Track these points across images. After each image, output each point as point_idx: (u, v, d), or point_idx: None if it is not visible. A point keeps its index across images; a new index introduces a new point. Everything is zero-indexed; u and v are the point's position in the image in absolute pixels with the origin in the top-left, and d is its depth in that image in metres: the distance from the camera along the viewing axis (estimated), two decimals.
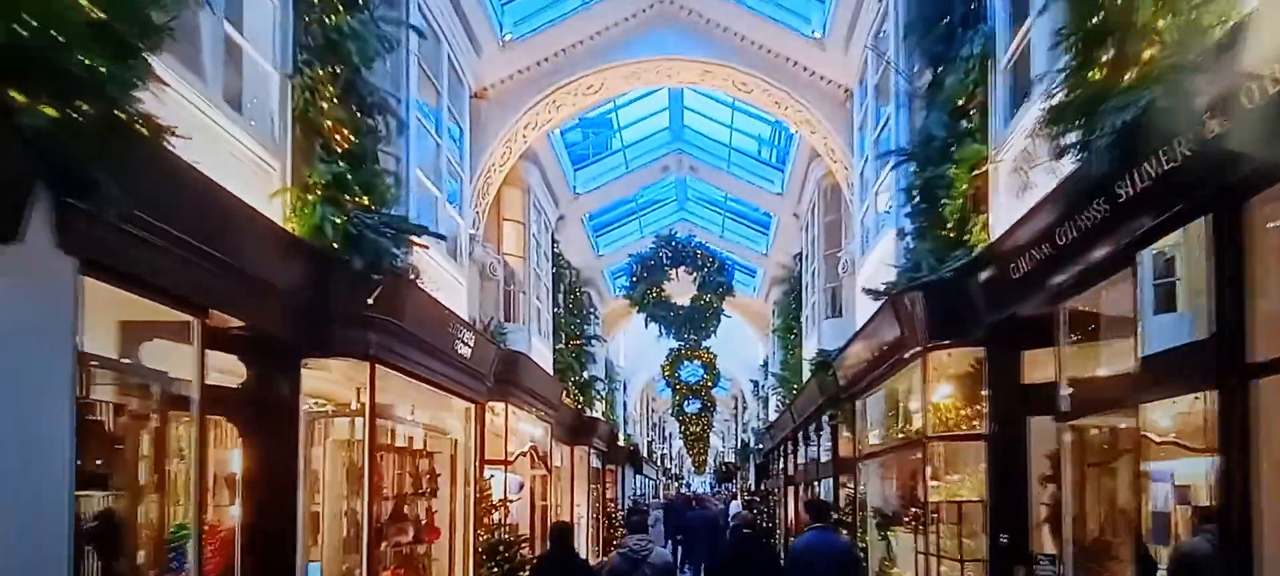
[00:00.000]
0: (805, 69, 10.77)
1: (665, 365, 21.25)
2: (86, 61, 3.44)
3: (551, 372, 13.46)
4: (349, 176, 5.98)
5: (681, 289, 16.87)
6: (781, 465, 18.23)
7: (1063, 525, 5.68)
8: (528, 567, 9.83)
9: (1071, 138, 4.32)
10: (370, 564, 6.57)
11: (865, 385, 9.36)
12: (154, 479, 4.74)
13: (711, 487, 41.09)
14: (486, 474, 9.81)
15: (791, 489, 16.55)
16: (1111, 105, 3.92)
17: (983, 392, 6.59)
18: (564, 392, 14.14)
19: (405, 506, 7.92)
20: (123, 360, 4.64)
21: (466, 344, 8.08)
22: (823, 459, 12.75)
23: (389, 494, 7.60)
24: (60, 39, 3.37)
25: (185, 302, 4.58)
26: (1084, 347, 5.45)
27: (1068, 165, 4.52)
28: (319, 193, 5.77)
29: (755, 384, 25.74)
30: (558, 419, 13.52)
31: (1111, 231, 4.36)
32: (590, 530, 18.61)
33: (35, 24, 3.28)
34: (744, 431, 33.14)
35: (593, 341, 18.06)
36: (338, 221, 5.70)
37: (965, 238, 6.34)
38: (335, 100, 5.99)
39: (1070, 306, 5.34)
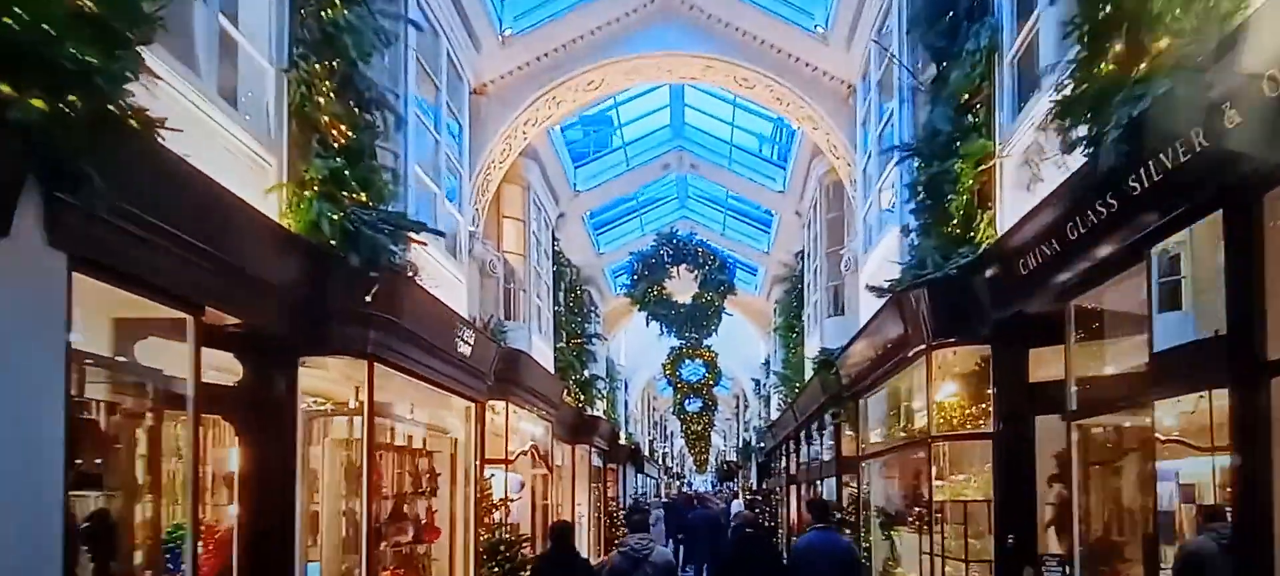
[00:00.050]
0: (808, 64, 10.68)
1: (666, 363, 21.19)
2: (76, 53, 3.38)
3: (552, 371, 13.39)
4: (346, 172, 5.91)
5: (683, 287, 16.81)
6: (784, 464, 18.17)
7: (1072, 525, 5.60)
8: (528, 567, 9.78)
9: (1080, 131, 4.25)
10: (369, 563, 6.50)
11: (868, 384, 9.29)
12: (149, 478, 4.69)
13: (713, 486, 41.03)
14: (487, 473, 9.73)
15: (794, 488, 16.48)
16: (1122, 98, 3.85)
17: (988, 391, 6.52)
18: (565, 391, 14.07)
19: (405, 506, 7.85)
20: (118, 358, 4.57)
21: (466, 342, 8.01)
22: (825, 458, 12.67)
23: (388, 493, 7.53)
24: (49, 31, 3.31)
25: (179, 300, 4.51)
26: (1092, 345, 5.38)
27: (1076, 160, 4.46)
28: (315, 189, 5.70)
29: (757, 382, 25.68)
30: (559, 418, 13.46)
31: (1122, 227, 4.29)
32: (592, 529, 18.54)
33: (24, 15, 3.22)
34: (746, 430, 33.08)
35: (594, 340, 17.99)
36: (335, 218, 5.62)
37: (971, 234, 6.27)
38: (332, 95, 5.93)
39: (1079, 304, 5.26)
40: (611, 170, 15.97)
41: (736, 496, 26.85)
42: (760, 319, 21.92)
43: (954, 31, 6.57)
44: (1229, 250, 3.56)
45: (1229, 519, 4.19)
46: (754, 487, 26.64)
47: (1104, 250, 4.54)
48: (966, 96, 6.35)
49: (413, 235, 6.57)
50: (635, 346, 26.77)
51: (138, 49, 3.74)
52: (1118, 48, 3.97)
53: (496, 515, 9.92)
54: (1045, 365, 6.10)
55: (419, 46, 8.17)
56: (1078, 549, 5.54)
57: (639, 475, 32.03)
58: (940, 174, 6.53)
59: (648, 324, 17.40)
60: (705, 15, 10.68)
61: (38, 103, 3.24)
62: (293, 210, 5.62)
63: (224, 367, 5.48)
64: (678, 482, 46.23)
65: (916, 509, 8.18)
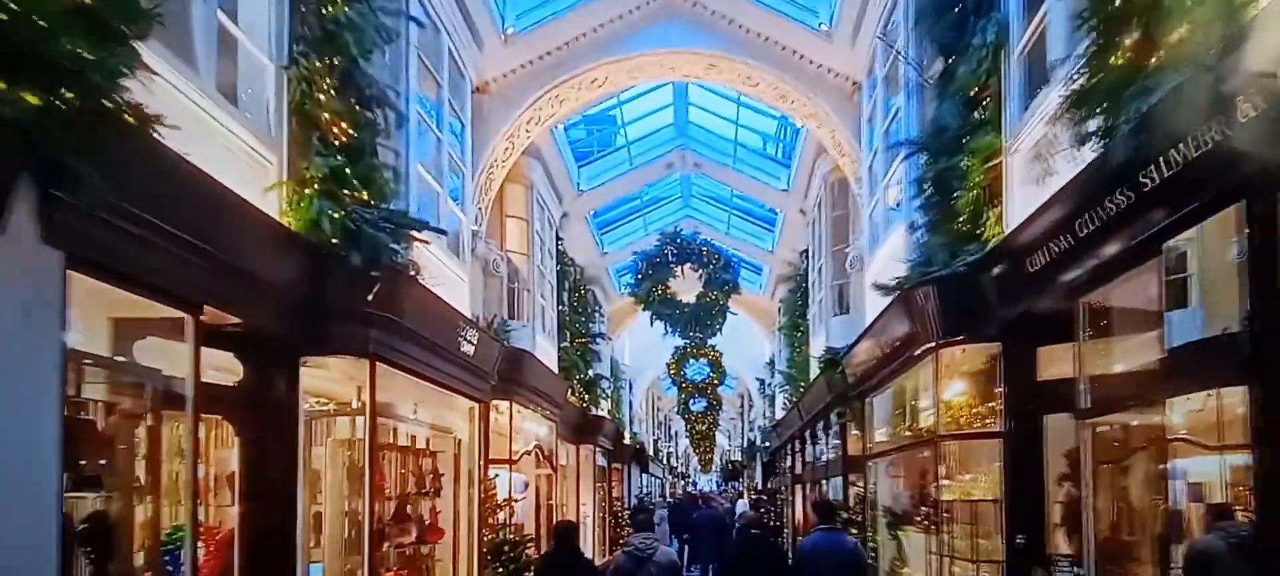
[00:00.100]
0: (812, 62, 10.61)
1: (671, 363, 21.08)
2: (70, 48, 3.34)
3: (556, 371, 13.34)
4: (347, 170, 5.86)
5: (687, 286, 16.73)
6: (789, 463, 18.09)
7: (1083, 524, 5.52)
8: (532, 568, 9.72)
9: (1093, 124, 4.17)
10: (372, 564, 6.45)
11: (875, 383, 9.20)
12: (148, 479, 4.64)
13: (717, 486, 40.92)
14: (491, 473, 9.68)
15: (799, 487, 16.40)
16: (1135, 90, 3.77)
17: (997, 389, 6.45)
18: (569, 391, 14.02)
19: (408, 506, 7.79)
20: (116, 358, 4.53)
21: (469, 341, 7.96)
22: (831, 457, 12.59)
23: (391, 494, 7.48)
24: (43, 25, 3.26)
25: (178, 299, 4.47)
26: (1103, 343, 5.30)
27: (1088, 154, 4.37)
28: (316, 187, 5.65)
29: (761, 382, 25.59)
30: (563, 417, 13.41)
31: (1135, 222, 4.20)
32: (596, 529, 18.49)
33: (17, 9, 3.18)
34: (750, 429, 33.00)
35: (598, 339, 17.93)
36: (335, 216, 5.58)
37: (979, 231, 6.19)
38: (332, 92, 5.88)
39: (1089, 301, 5.18)
40: (615, 169, 15.92)
41: (741, 496, 26.76)
42: (765, 318, 21.85)
43: (961, 25, 6.48)
44: (1250, 244, 3.47)
45: (1237, 518, 4.20)
46: (759, 487, 26.56)
47: (1116, 246, 4.46)
48: (974, 91, 6.27)
49: (414, 234, 6.51)
50: (639, 346, 26.71)
51: (134, 44, 3.70)
52: (1131, 39, 3.88)
53: (501, 515, 9.86)
54: (1054, 363, 6.03)
55: (420, 44, 8.12)
56: (1089, 549, 5.45)
57: (643, 475, 31.98)
58: (948, 170, 6.45)
59: (652, 323, 17.33)
60: (709, 12, 10.62)
61: (31, 98, 3.21)
62: (293, 208, 5.58)
63: (224, 367, 5.44)
64: (682, 482, 46.15)
65: (923, 508, 8.10)
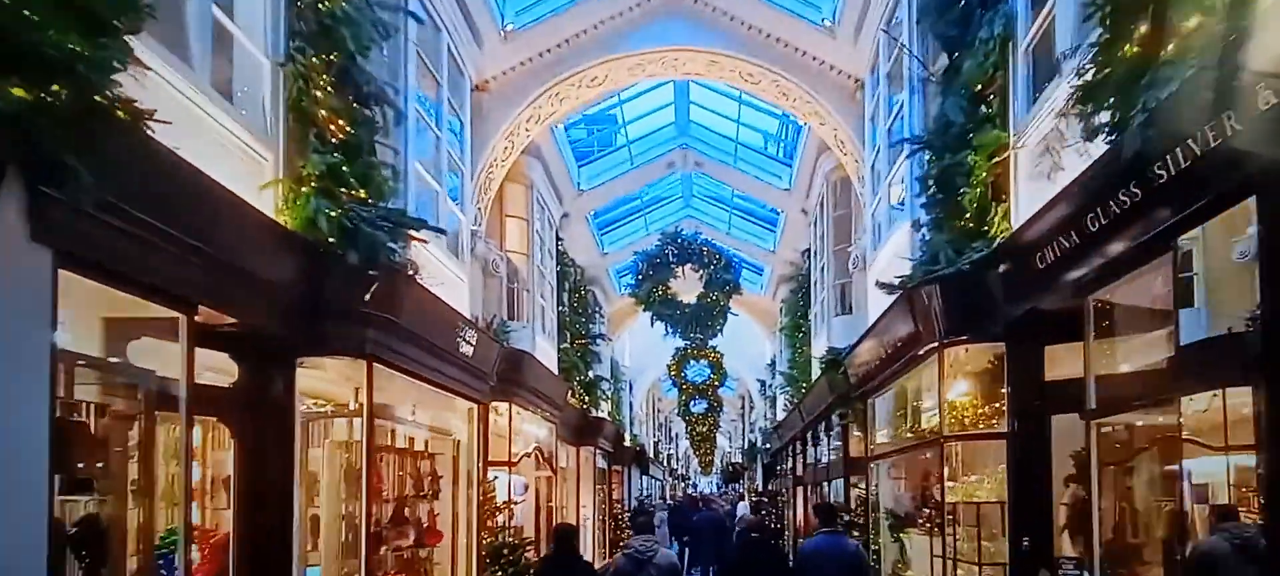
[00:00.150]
0: (815, 59, 10.53)
1: (671, 364, 21.02)
2: (61, 41, 3.29)
3: (556, 372, 13.26)
4: (344, 168, 5.79)
5: (688, 287, 16.65)
6: (790, 465, 18.01)
7: (1092, 526, 5.44)
8: (532, 570, 9.65)
9: (1102, 118, 4.10)
10: (369, 567, 6.38)
11: (877, 383, 9.13)
12: (142, 482, 4.55)
13: (718, 488, 40.84)
14: (490, 475, 9.61)
15: (800, 489, 16.32)
16: (1147, 82, 3.69)
17: (1002, 390, 6.38)
18: (569, 392, 13.95)
19: (406, 509, 7.72)
20: (109, 359, 4.46)
21: (468, 342, 7.89)
22: (833, 459, 12.52)
23: (389, 496, 7.41)
24: (31, 16, 3.21)
25: (171, 298, 4.41)
26: (1112, 342, 5.22)
27: (1098, 148, 4.30)
28: (313, 185, 5.58)
29: (762, 383, 25.52)
30: (563, 419, 13.33)
31: (1145, 217, 4.14)
32: (596, 531, 18.41)
33: (5, 1, 3.11)
34: (751, 431, 32.93)
35: (598, 340, 17.86)
36: (332, 214, 5.51)
37: (985, 228, 6.11)
38: (330, 89, 5.81)
39: (1098, 299, 5.10)
40: (615, 169, 15.84)
41: (742, 498, 26.68)
42: (766, 319, 21.77)
43: (966, 20, 6.42)
44: (1264, 236, 3.39)
45: (1241, 519, 4.17)
46: (760, 489, 26.48)
47: (1126, 242, 4.39)
48: (980, 86, 6.19)
49: (413, 233, 6.44)
50: (640, 347, 26.64)
51: (126, 38, 3.66)
52: (1142, 29, 3.81)
53: (500, 518, 9.78)
54: (1059, 363, 5.97)
55: (419, 41, 8.05)
56: (1097, 551, 5.37)
57: (644, 477, 31.89)
58: (953, 166, 6.37)
59: (652, 324, 17.25)
60: (710, 9, 10.55)
61: (19, 91, 3.17)
62: (289, 206, 5.51)
63: (220, 368, 5.39)
64: (683, 484, 46.06)
65: (927, 510, 8.02)
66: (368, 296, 5.76)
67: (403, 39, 7.51)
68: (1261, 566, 3.80)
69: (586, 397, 16.17)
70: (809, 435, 14.78)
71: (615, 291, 20.03)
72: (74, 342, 4.07)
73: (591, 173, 15.48)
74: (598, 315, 18.31)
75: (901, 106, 8.30)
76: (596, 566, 11.71)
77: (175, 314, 4.50)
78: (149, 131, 3.80)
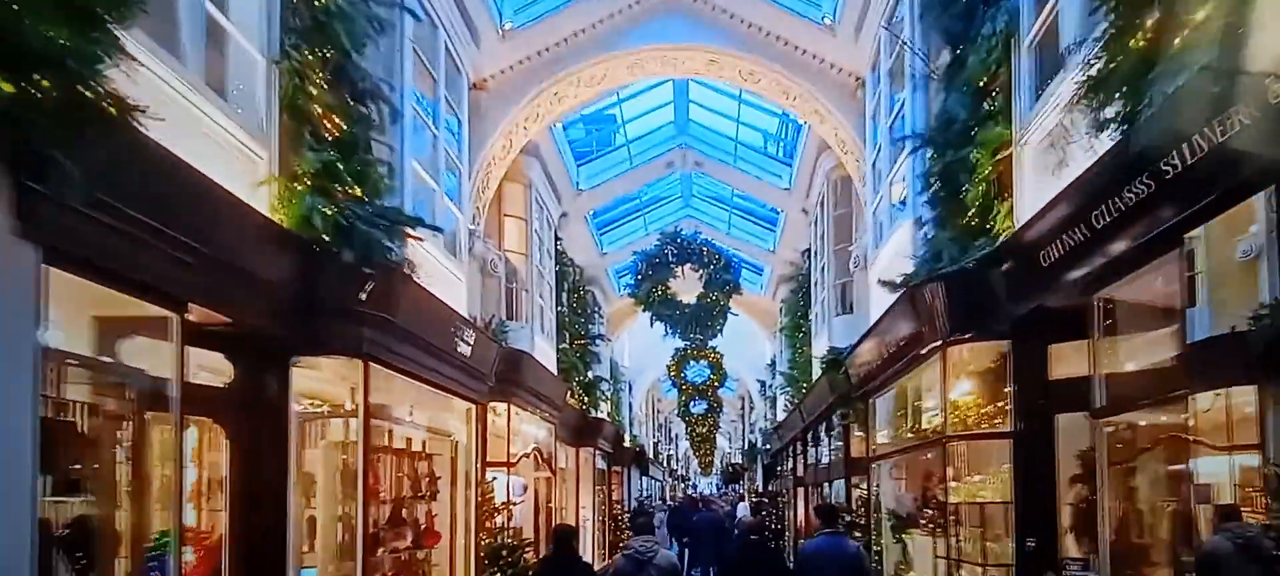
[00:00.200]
0: (815, 56, 10.46)
1: (671, 365, 20.93)
2: (47, 33, 3.23)
3: (555, 373, 13.19)
4: (339, 165, 5.72)
5: (687, 287, 16.57)
6: (790, 466, 17.94)
7: (1099, 527, 5.37)
8: (531, 572, 9.58)
9: (1110, 111, 4.02)
10: (366, 569, 6.31)
11: (879, 383, 9.06)
12: (133, 484, 4.50)
13: (718, 489, 40.76)
14: (489, 476, 9.53)
15: (801, 490, 16.25)
16: (1157, 73, 3.62)
17: (1006, 389, 6.31)
18: (568, 393, 13.87)
19: (404, 510, 7.65)
20: (99, 358, 4.41)
21: (466, 342, 7.82)
22: (834, 459, 12.45)
23: (386, 497, 7.33)
24: (15, 7, 3.15)
25: (162, 296, 4.34)
26: (1119, 340, 5.16)
27: (1105, 142, 4.23)
28: (307, 182, 5.50)
29: (762, 384, 25.44)
30: (562, 420, 13.25)
31: (1154, 212, 4.07)
32: (596, 532, 18.33)
33: None
34: (751, 432, 32.85)
35: (597, 341, 17.77)
36: (327, 212, 5.44)
37: (988, 225, 6.04)
38: (325, 86, 5.73)
39: (1105, 295, 5.03)
40: (614, 168, 15.76)
41: (742, 498, 26.61)
42: (766, 319, 21.70)
43: (970, 14, 6.35)
44: (1273, 235, 3.33)
45: (1242, 519, 4.14)
46: (760, 490, 26.40)
47: (1133, 238, 4.32)
48: (983, 82, 6.12)
49: (409, 231, 6.36)
50: (639, 347, 26.57)
51: (115, 32, 3.59)
52: (1150, 20, 3.73)
53: (499, 519, 9.71)
54: (1064, 361, 5.90)
55: (416, 39, 7.98)
56: (1104, 552, 5.30)
57: (643, 478, 31.81)
58: (956, 163, 6.31)
59: (652, 324, 17.16)
60: (709, 6, 10.48)
61: (4, 84, 3.12)
62: (284, 204, 5.43)
63: (214, 368, 5.31)
64: (682, 485, 45.98)
65: (930, 511, 7.95)
66: (363, 295, 5.70)
67: (399, 36, 7.44)
68: (1264, 566, 3.79)
69: (586, 398, 16.09)
70: (809, 435, 14.71)
71: (614, 291, 19.96)
72: (64, 341, 4.03)
73: (590, 172, 15.41)
74: (597, 315, 18.24)
75: (903, 104, 8.23)
76: (596, 567, 11.64)
77: (167, 312, 4.42)
78: (139, 127, 3.74)
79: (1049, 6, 5.56)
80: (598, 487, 18.85)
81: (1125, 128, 3.97)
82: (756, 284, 20.79)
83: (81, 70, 3.41)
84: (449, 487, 8.72)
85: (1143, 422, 5.32)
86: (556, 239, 14.55)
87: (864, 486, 10.30)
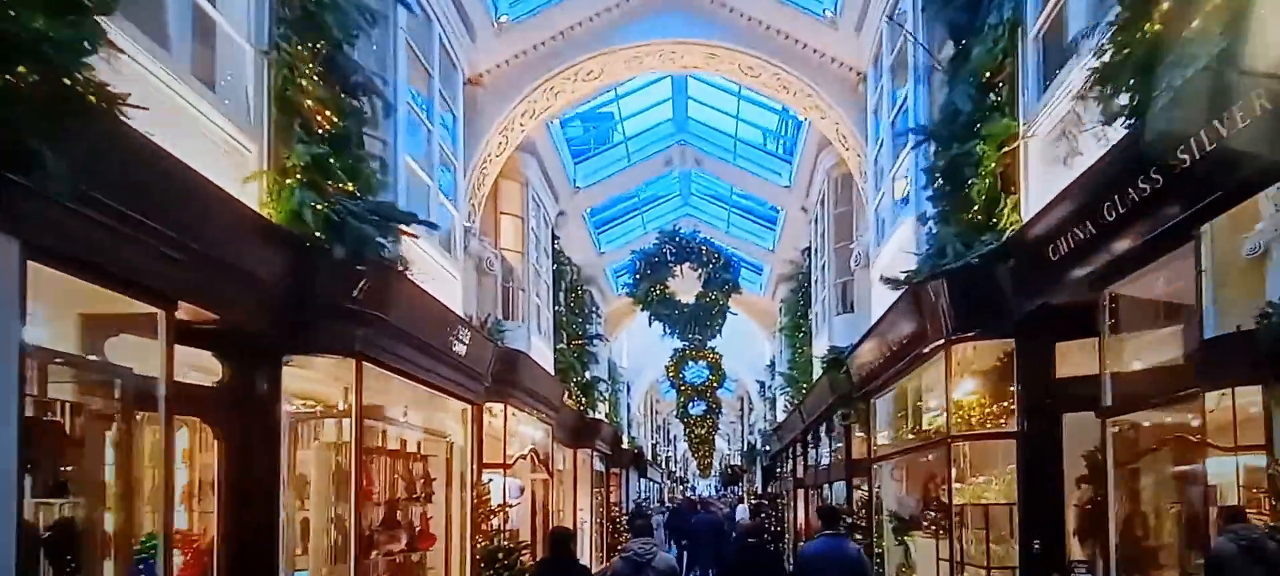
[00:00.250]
0: (816, 51, 10.36)
1: (669, 366, 20.82)
2: (27, 21, 3.16)
3: (552, 373, 13.07)
4: (331, 160, 5.61)
5: (686, 286, 16.47)
6: (790, 467, 17.84)
7: (1102, 528, 5.27)
8: (527, 575, 9.46)
9: (1121, 100, 3.92)
10: (360, 573, 6.20)
11: (881, 383, 8.95)
12: (120, 485, 4.39)
13: (717, 491, 40.69)
14: (485, 477, 9.42)
15: (801, 492, 16.15)
16: (1171, 61, 3.52)
17: (1011, 388, 6.22)
18: (565, 394, 13.76)
19: (398, 512, 7.53)
20: (85, 356, 4.31)
21: (462, 341, 7.71)
22: (834, 460, 12.35)
23: (381, 499, 7.22)
24: None
25: (150, 293, 4.25)
26: (1129, 336, 5.05)
27: (1115, 133, 4.13)
28: (298, 177, 5.39)
29: (762, 385, 25.35)
30: (559, 421, 13.14)
31: (1167, 205, 3.96)
32: (593, 535, 18.22)
33: None
34: (750, 433, 32.77)
35: (595, 341, 17.65)
36: (318, 207, 5.33)
37: (994, 221, 5.93)
38: (316, 78, 5.62)
39: (1114, 291, 4.93)
40: (612, 166, 15.65)
41: (741, 501, 26.54)
42: (765, 319, 21.61)
43: (975, 5, 6.24)
44: None
45: (1248, 520, 4.06)
46: (759, 492, 26.31)
47: (1144, 232, 4.21)
48: (988, 74, 6.01)
49: (402, 227, 6.25)
50: (638, 348, 26.49)
51: (99, 20, 3.52)
52: (1165, 5, 3.62)
53: (495, 521, 9.59)
54: (1070, 360, 5.80)
55: (410, 33, 7.87)
56: (1111, 554, 5.19)
57: (642, 480, 31.71)
58: (960, 157, 6.19)
59: (650, 323, 17.05)
60: (709, 0, 10.36)
61: None
62: (274, 199, 5.32)
63: (205, 367, 5.22)
64: (681, 487, 45.89)
65: (933, 513, 7.84)
66: (356, 292, 5.59)
67: (392, 28, 7.34)
68: (1269, 568, 3.76)
69: (583, 399, 15.97)
70: (809, 436, 14.61)
71: (612, 291, 19.86)
72: (49, 339, 3.94)
73: (588, 170, 15.30)
74: (595, 315, 18.12)
75: (905, 98, 8.13)
76: (593, 570, 11.54)
77: (154, 309, 4.33)
78: (124, 118, 3.64)
79: None
80: (595, 489, 18.74)
81: (1136, 118, 3.86)
82: (756, 283, 20.71)
83: (63, 60, 3.32)
84: (444, 489, 8.60)
85: (1146, 424, 5.22)
86: (554, 237, 14.44)
87: (865, 488, 10.20)
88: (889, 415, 9.37)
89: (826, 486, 13.05)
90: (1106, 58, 3.95)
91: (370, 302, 5.73)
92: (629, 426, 25.98)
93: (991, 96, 6.01)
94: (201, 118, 4.84)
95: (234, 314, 4.91)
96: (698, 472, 46.46)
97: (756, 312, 21.54)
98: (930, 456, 7.84)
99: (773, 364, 21.95)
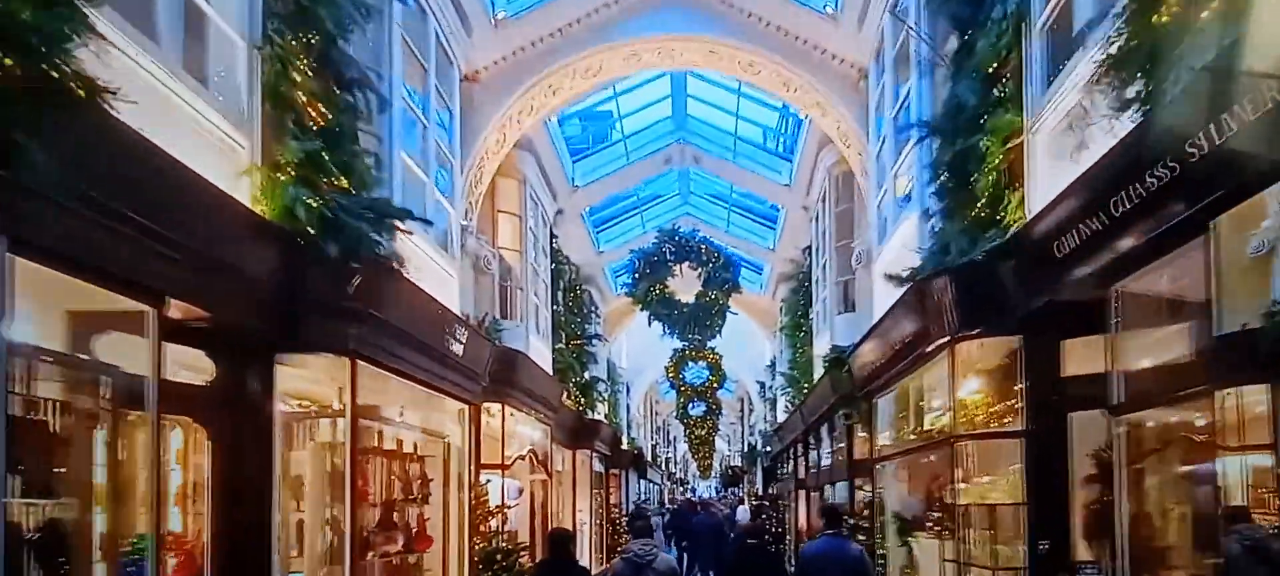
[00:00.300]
0: (817, 47, 10.27)
1: (669, 366, 20.75)
2: (9, 9, 3.11)
3: (551, 373, 12.98)
4: (324, 156, 5.50)
5: (686, 286, 16.38)
6: (791, 468, 17.75)
7: (1111, 528, 5.17)
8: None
9: (1132, 90, 3.83)
10: (355, 574, 6.10)
11: (884, 382, 8.86)
12: (108, 485, 4.31)
13: (717, 492, 40.60)
14: (483, 478, 9.33)
15: (802, 493, 16.06)
16: (1185, 48, 3.42)
17: (1016, 386, 6.12)
18: (564, 394, 13.66)
19: (395, 513, 7.44)
20: (74, 354, 4.22)
21: (459, 340, 7.62)
22: (836, 461, 12.26)
23: (376, 500, 7.13)
24: None
25: (138, 289, 4.15)
26: (1139, 332, 4.95)
27: (1125, 125, 4.03)
28: (291, 172, 5.29)
29: (762, 385, 25.27)
30: (558, 421, 13.05)
31: (1178, 198, 3.87)
32: (593, 536, 18.12)
33: None
34: (751, 434, 32.69)
35: (594, 341, 17.56)
36: (312, 204, 5.22)
37: (999, 216, 5.83)
38: (309, 73, 5.52)
39: (1123, 287, 4.83)
40: (611, 164, 15.58)
41: (741, 502, 26.45)
42: (765, 319, 21.53)
43: None
44: None
45: (1252, 520, 4.01)
46: (759, 493, 26.22)
47: (1155, 226, 4.11)
48: (993, 67, 5.92)
49: (398, 223, 6.14)
50: (637, 348, 26.42)
51: (85, 10, 3.43)
52: None
53: (493, 523, 9.49)
54: (1079, 357, 5.70)
55: (406, 28, 7.78)
56: (1122, 556, 5.09)
57: (641, 481, 31.62)
58: (965, 152, 6.10)
59: (650, 323, 16.96)
60: None
61: None
62: (266, 195, 5.22)
63: (196, 366, 5.12)
64: (681, 488, 45.81)
65: (936, 513, 7.75)
66: (350, 290, 5.49)
67: (387, 23, 7.25)
68: (1274, 569, 3.70)
69: (582, 399, 15.88)
70: (811, 437, 14.52)
71: (611, 291, 19.78)
72: (34, 336, 3.87)
73: (586, 168, 15.21)
74: (593, 315, 18.02)
75: (908, 93, 8.05)
76: (593, 572, 11.46)
77: (143, 306, 4.23)
78: (111, 110, 3.56)
79: None
80: (595, 491, 18.65)
81: (1147, 109, 3.77)
82: (756, 283, 20.63)
83: (48, 49, 3.23)
84: (441, 490, 8.51)
85: (1151, 423, 5.13)
86: (552, 236, 14.35)
87: (867, 488, 10.11)
88: (892, 415, 9.28)
89: (829, 487, 12.97)
90: (1116, 47, 3.85)
91: (365, 300, 5.64)
92: (628, 427, 25.91)
93: (996, 90, 5.91)
94: (192, 112, 4.74)
95: (225, 311, 4.81)
96: (698, 474, 46.39)
97: (757, 312, 21.47)
98: (934, 456, 7.74)
99: (773, 364, 21.86)
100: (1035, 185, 5.60)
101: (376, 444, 7.24)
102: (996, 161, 5.80)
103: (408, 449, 7.92)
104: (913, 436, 8.31)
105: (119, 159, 3.71)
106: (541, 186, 13.22)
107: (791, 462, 17.58)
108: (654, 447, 37.86)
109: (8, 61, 3.13)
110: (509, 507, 10.24)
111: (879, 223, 9.73)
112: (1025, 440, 6.00)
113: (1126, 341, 4.99)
